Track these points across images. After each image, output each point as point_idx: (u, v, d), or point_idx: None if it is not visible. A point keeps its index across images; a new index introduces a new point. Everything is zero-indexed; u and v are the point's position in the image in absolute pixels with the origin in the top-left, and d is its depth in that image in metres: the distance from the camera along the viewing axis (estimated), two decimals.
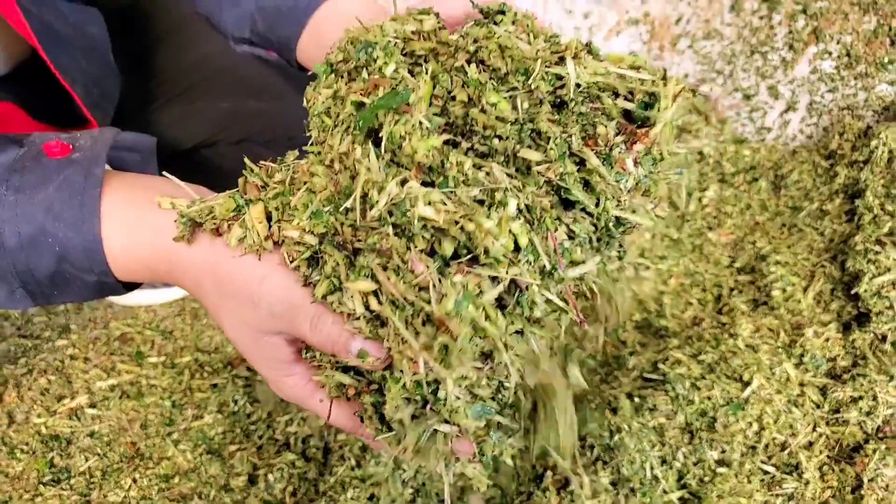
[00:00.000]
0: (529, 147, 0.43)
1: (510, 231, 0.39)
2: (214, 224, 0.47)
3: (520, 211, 0.41)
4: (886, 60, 1.06)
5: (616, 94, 0.45)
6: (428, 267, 0.39)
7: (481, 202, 0.41)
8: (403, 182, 0.40)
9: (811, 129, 1.18)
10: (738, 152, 1.23)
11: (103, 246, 0.49)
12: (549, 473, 0.86)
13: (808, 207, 1.11)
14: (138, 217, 0.49)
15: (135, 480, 0.95)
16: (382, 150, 0.42)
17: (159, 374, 1.11)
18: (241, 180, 0.49)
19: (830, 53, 1.11)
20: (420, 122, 0.41)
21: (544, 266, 0.41)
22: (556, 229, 0.42)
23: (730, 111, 1.26)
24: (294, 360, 0.49)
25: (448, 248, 0.39)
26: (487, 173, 0.41)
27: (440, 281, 0.39)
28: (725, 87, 1.24)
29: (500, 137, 0.43)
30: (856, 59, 1.09)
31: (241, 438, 1.00)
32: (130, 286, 0.56)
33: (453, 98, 0.44)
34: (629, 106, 0.44)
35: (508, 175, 0.42)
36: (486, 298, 0.39)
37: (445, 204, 0.39)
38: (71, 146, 0.53)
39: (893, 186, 0.99)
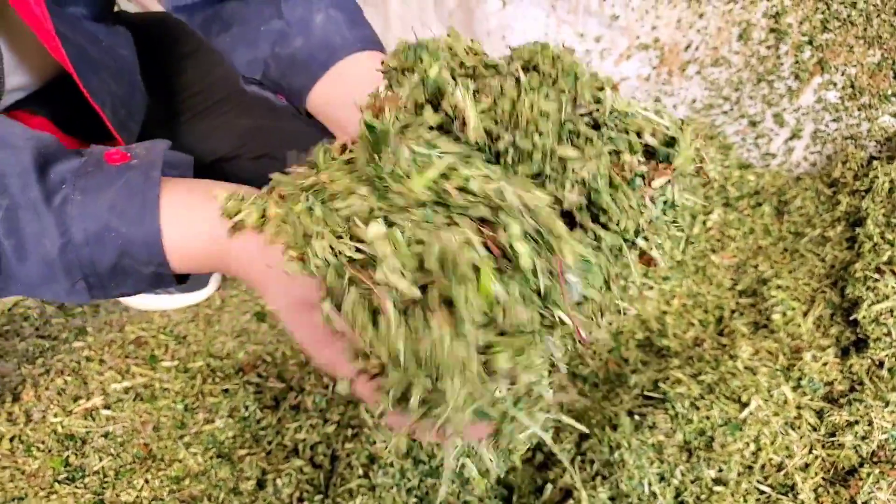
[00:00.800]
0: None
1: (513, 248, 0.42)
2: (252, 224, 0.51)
3: (526, 234, 0.43)
4: (889, 93, 1.09)
5: (639, 134, 0.48)
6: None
7: (483, 220, 0.43)
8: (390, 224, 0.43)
9: (815, 157, 1.21)
10: (743, 177, 1.25)
11: (162, 239, 0.53)
12: (548, 486, 0.89)
13: (810, 233, 1.14)
14: (194, 211, 0.54)
15: (147, 481, 0.98)
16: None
17: (172, 378, 1.14)
18: (266, 189, 0.53)
19: (835, 84, 1.14)
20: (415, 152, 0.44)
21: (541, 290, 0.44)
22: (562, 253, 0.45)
23: (736, 137, 1.28)
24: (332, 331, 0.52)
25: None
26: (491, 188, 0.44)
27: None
28: (732, 114, 1.27)
29: (540, 133, 0.46)
30: (860, 90, 1.12)
31: (250, 443, 1.02)
32: (181, 279, 0.60)
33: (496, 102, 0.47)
34: (653, 142, 0.47)
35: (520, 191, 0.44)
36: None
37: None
38: (129, 155, 0.57)
39: (894, 216, 1.01)
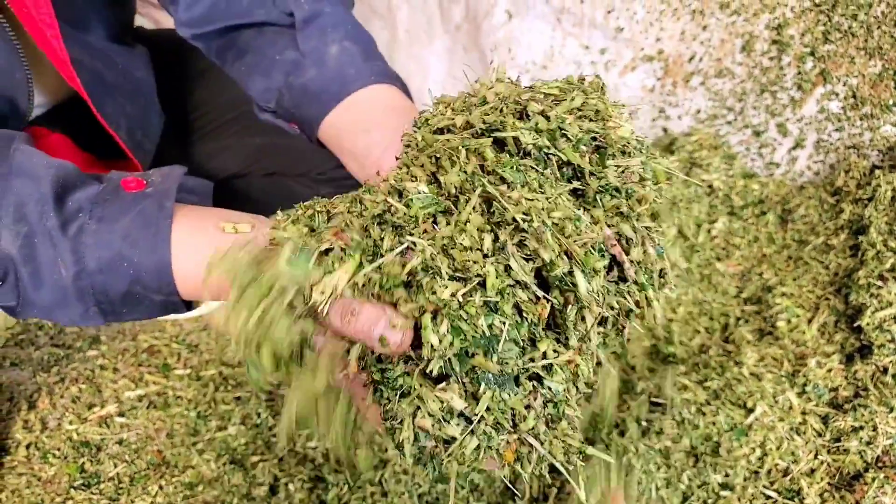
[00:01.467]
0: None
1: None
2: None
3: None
4: (891, 102, 1.10)
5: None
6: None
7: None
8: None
9: (818, 166, 1.22)
10: (748, 186, 1.27)
11: (172, 269, 0.55)
12: (552, 490, 0.90)
13: (813, 241, 1.15)
14: (204, 242, 0.55)
15: (161, 487, 1.00)
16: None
17: (185, 386, 1.16)
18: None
19: (837, 94, 1.15)
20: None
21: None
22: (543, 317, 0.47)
23: (740, 147, 1.30)
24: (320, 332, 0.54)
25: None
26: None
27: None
28: (736, 124, 1.29)
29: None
30: (861, 100, 1.13)
31: (262, 450, 1.04)
32: (191, 305, 0.61)
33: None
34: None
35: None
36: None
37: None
38: (145, 182, 0.59)
39: None
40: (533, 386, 0.46)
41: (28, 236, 0.53)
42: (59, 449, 1.06)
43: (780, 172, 1.27)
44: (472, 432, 0.45)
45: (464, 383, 0.46)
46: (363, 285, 0.47)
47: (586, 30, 1.34)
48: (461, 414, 0.46)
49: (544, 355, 0.46)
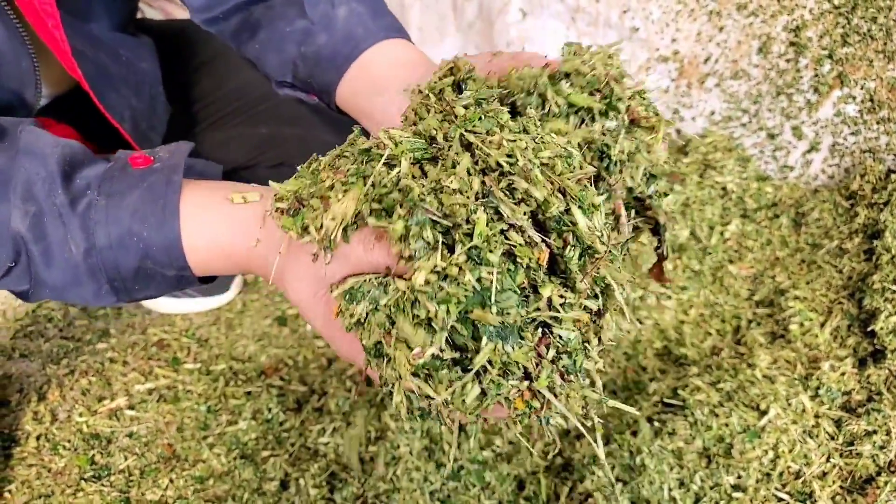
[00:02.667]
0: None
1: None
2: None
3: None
4: None
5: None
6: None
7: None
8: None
9: (833, 170, 1.22)
10: (761, 189, 1.26)
11: (182, 243, 0.54)
12: (567, 491, 0.90)
13: (827, 245, 1.15)
14: (213, 214, 0.55)
15: (171, 480, 1.00)
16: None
17: (195, 380, 1.16)
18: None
19: (854, 98, 1.15)
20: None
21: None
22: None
23: (754, 149, 1.30)
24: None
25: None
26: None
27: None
28: (750, 126, 1.28)
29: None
30: (878, 104, 1.13)
31: (273, 445, 1.04)
32: (206, 280, 0.61)
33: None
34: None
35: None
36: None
37: None
38: (152, 158, 0.58)
39: None
40: (543, 333, 0.44)
41: (37, 215, 0.53)
42: (69, 441, 1.06)
43: (795, 175, 1.27)
44: (478, 380, 0.43)
45: (451, 339, 0.43)
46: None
47: (601, 29, 1.34)
48: (461, 366, 0.43)
49: (550, 302, 0.44)
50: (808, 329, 1.03)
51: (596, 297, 0.46)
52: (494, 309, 0.42)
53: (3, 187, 0.53)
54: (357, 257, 0.46)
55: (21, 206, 0.53)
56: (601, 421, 0.47)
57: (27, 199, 0.53)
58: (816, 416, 0.91)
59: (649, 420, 0.95)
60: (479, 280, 0.42)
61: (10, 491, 1.01)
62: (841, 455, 0.87)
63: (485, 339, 0.42)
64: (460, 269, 0.42)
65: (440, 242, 0.43)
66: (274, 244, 0.52)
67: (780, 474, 0.87)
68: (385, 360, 0.45)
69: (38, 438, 1.07)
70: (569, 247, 0.44)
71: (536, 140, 0.45)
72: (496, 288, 0.42)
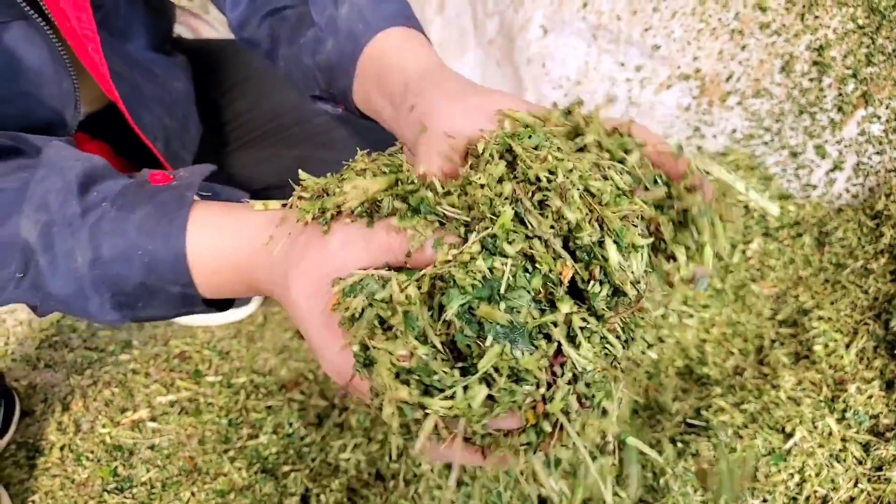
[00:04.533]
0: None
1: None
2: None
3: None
4: None
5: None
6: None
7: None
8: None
9: (857, 189, 1.21)
10: (783, 208, 1.26)
11: (187, 258, 0.53)
12: None
13: (852, 265, 1.14)
14: (223, 231, 0.54)
15: (193, 494, 1.00)
16: None
17: (216, 393, 1.17)
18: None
19: (879, 117, 1.14)
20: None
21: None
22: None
23: (776, 167, 1.29)
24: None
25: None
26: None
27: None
28: (772, 144, 1.28)
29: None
30: None
31: (294, 459, 1.04)
32: (211, 304, 0.59)
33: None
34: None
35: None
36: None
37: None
38: (172, 177, 0.58)
39: None
40: (558, 346, 0.40)
41: (48, 225, 0.52)
42: (92, 452, 1.07)
43: (817, 194, 1.26)
44: (486, 383, 0.39)
45: (454, 342, 0.40)
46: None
47: (622, 47, 1.34)
48: (465, 371, 0.40)
49: (570, 323, 0.40)
50: (832, 350, 1.02)
51: (620, 340, 0.42)
52: (503, 305, 0.39)
53: (18, 199, 0.53)
54: (379, 243, 0.44)
55: (33, 216, 0.53)
56: (615, 462, 0.44)
57: (40, 209, 0.53)
58: (843, 440, 0.90)
59: (672, 440, 0.94)
60: (490, 270, 0.39)
61: (33, 501, 1.02)
62: (869, 480, 0.86)
63: (490, 339, 0.39)
64: (472, 257, 0.39)
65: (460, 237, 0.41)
66: (284, 237, 0.51)
67: (807, 498, 0.86)
68: (373, 367, 0.41)
69: (61, 449, 1.08)
70: (594, 281, 0.41)
71: (590, 170, 0.43)
72: (508, 280, 0.39)
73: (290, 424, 1.09)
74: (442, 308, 0.40)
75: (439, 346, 0.39)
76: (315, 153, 1.01)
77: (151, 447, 1.08)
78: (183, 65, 0.98)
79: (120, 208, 0.53)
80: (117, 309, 0.56)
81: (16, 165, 0.55)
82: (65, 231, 0.52)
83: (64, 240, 0.52)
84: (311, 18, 0.69)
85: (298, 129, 1.01)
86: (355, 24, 0.65)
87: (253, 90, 1.05)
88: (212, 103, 1.04)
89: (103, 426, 1.11)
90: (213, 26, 1.52)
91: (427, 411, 0.39)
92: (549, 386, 0.40)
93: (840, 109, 1.18)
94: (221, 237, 0.53)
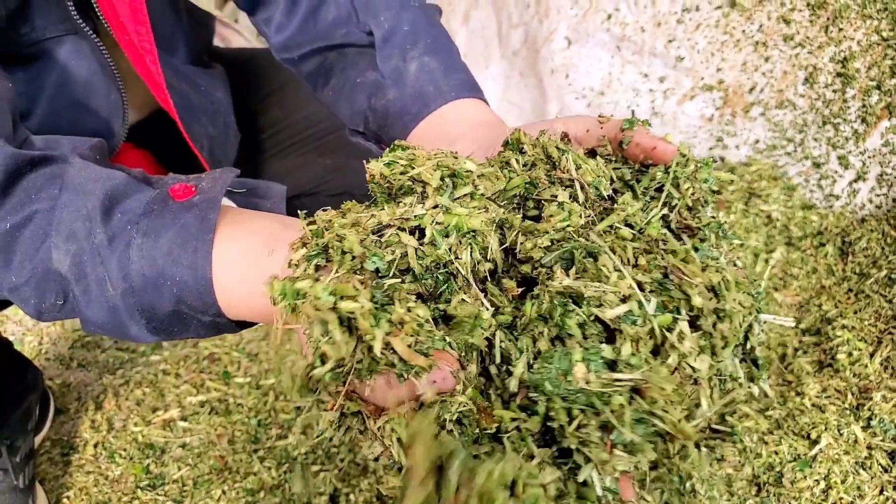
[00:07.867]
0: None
1: None
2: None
3: None
4: None
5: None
6: None
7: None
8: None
9: (881, 199, 1.22)
10: (806, 217, 1.27)
11: (214, 289, 0.51)
12: None
13: (876, 275, 1.15)
14: (248, 260, 0.52)
15: (224, 492, 1.02)
16: None
17: (245, 394, 1.19)
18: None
19: None
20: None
21: None
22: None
23: (799, 178, 1.30)
24: None
25: None
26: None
27: None
28: (795, 155, 1.29)
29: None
30: None
31: (323, 460, 1.06)
32: (244, 325, 0.58)
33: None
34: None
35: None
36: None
37: None
38: (194, 187, 0.56)
39: None
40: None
41: (77, 254, 0.52)
42: (125, 449, 1.09)
43: (840, 204, 1.27)
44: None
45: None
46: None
47: (646, 58, 1.36)
48: None
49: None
50: (856, 359, 1.03)
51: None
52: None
53: (46, 227, 0.53)
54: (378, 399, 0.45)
55: (63, 246, 0.52)
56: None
57: (69, 239, 0.52)
58: (869, 448, 0.91)
59: (697, 445, 0.95)
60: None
61: (68, 497, 1.04)
62: (895, 488, 0.87)
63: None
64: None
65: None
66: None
67: None
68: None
69: (95, 446, 1.10)
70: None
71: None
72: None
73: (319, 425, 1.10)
74: None
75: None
76: (349, 161, 1.03)
77: (182, 446, 1.10)
78: (221, 74, 1.00)
79: (145, 234, 0.52)
80: (153, 334, 0.55)
81: (46, 176, 0.55)
82: (95, 260, 0.52)
83: (95, 269, 0.52)
84: (373, 62, 0.72)
85: (333, 137, 1.03)
86: (425, 85, 0.69)
87: (288, 99, 1.08)
88: (248, 111, 1.07)
89: (135, 425, 1.13)
90: (243, 36, 1.55)
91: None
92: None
93: (864, 120, 1.19)
94: (248, 269, 0.51)
